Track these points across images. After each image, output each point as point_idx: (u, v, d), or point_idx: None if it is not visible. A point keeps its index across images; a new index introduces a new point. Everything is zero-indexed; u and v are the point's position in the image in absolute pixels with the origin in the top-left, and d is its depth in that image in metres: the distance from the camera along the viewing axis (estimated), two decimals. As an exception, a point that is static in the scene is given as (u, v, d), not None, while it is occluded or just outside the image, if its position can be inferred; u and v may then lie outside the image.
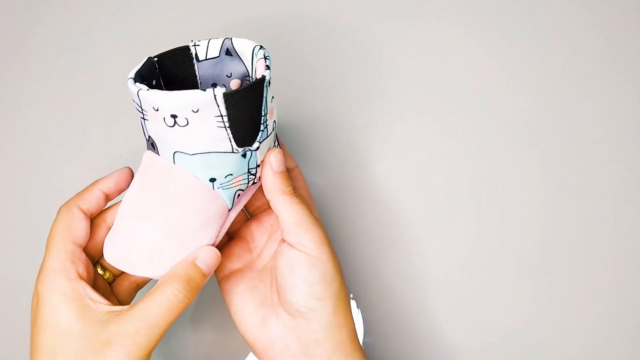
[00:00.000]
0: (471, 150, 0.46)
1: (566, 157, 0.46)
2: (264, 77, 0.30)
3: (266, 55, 0.31)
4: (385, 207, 0.45)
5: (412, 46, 0.49)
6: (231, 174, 0.32)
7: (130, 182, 0.36)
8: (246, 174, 0.33)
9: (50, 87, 0.49)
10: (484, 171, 0.46)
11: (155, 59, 0.33)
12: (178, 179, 0.31)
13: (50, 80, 0.49)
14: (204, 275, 0.32)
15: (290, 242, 0.33)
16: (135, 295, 0.38)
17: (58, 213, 0.34)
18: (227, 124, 0.30)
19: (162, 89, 0.33)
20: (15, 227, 0.46)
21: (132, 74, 0.31)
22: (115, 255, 0.32)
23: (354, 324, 0.34)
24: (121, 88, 0.49)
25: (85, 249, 0.34)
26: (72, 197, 0.35)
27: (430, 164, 0.46)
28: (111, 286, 0.36)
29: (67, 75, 0.49)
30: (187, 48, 0.34)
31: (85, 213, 0.34)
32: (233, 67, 0.34)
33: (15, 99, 0.49)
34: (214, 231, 0.33)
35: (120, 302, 0.36)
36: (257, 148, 0.32)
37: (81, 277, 0.32)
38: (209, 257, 0.32)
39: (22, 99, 0.49)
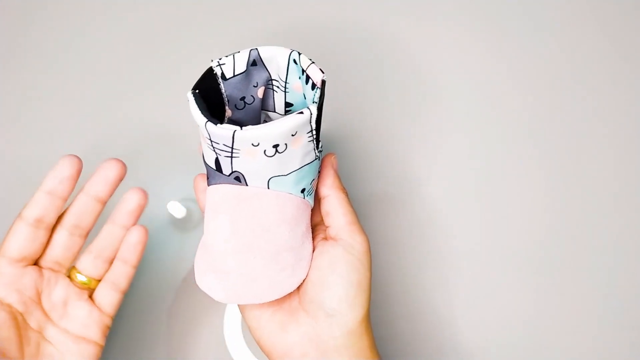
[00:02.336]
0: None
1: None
2: (324, 80, 0.31)
3: (311, 59, 0.32)
4: (394, 210, 0.46)
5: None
6: (313, 179, 0.34)
7: (74, 167, 0.35)
8: (318, 173, 0.35)
9: (49, 86, 0.49)
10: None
11: (197, 91, 0.31)
12: (277, 202, 0.32)
13: (50, 80, 0.49)
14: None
15: (339, 239, 0.33)
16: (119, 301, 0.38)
17: None
18: (314, 136, 0.31)
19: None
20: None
21: (203, 119, 0.29)
22: (233, 295, 0.32)
23: (373, 333, 0.34)
24: (120, 88, 0.49)
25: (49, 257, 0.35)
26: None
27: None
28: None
29: (67, 75, 0.50)
30: (211, 69, 0.33)
31: (37, 226, 0.34)
32: (258, 76, 0.34)
33: (13, 99, 0.49)
34: (310, 234, 0.35)
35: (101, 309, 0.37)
36: (322, 146, 0.34)
37: None
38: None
39: (20, 99, 0.49)
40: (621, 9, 0.50)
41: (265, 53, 0.33)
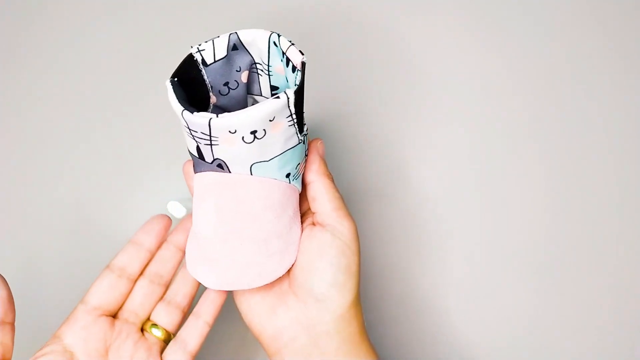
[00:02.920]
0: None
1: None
2: (304, 62, 0.31)
3: (291, 41, 0.32)
4: (391, 207, 0.45)
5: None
6: (299, 163, 0.33)
7: (163, 224, 0.36)
8: (304, 157, 0.34)
9: (49, 86, 0.49)
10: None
11: (175, 79, 0.31)
12: (261, 187, 0.32)
13: (50, 80, 0.49)
14: None
15: (326, 224, 0.33)
16: None
17: None
18: (295, 120, 0.31)
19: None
20: (14, 228, 0.46)
21: (179, 107, 0.29)
22: (224, 281, 0.32)
23: (363, 318, 0.34)
24: (120, 87, 0.49)
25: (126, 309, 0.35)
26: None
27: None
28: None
29: (68, 75, 0.50)
30: (190, 56, 0.32)
31: (120, 275, 0.35)
32: (241, 60, 0.34)
33: (15, 99, 0.49)
34: (299, 218, 0.34)
35: None
36: (307, 130, 0.34)
37: None
38: None
39: (22, 99, 0.49)
40: (622, 8, 0.49)
41: (246, 36, 0.33)
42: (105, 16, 0.52)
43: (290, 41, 0.31)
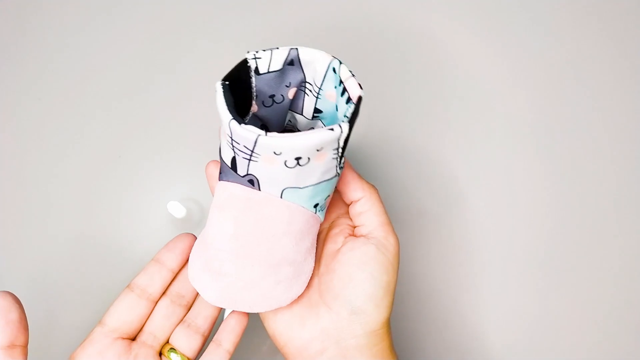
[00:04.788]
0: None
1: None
2: (361, 97, 0.30)
3: (352, 72, 0.31)
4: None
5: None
6: (328, 195, 0.32)
7: (186, 242, 0.35)
8: (334, 190, 0.33)
9: (49, 87, 0.48)
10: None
11: (227, 82, 0.30)
12: (287, 212, 0.30)
13: (49, 80, 0.49)
14: None
15: (372, 237, 0.33)
16: None
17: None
18: (340, 153, 0.30)
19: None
20: (14, 228, 0.45)
21: (228, 116, 0.27)
22: (225, 299, 0.31)
23: (392, 337, 0.33)
24: (119, 86, 0.48)
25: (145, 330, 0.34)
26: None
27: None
28: None
29: (66, 75, 0.49)
30: (245, 61, 0.31)
31: (141, 295, 0.33)
32: (293, 77, 0.33)
33: (14, 99, 0.48)
34: (314, 251, 0.33)
35: None
36: (344, 163, 0.33)
37: None
38: None
39: (21, 99, 0.48)
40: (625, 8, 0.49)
41: (305, 55, 0.31)
42: (104, 16, 0.51)
43: (351, 72, 0.30)
